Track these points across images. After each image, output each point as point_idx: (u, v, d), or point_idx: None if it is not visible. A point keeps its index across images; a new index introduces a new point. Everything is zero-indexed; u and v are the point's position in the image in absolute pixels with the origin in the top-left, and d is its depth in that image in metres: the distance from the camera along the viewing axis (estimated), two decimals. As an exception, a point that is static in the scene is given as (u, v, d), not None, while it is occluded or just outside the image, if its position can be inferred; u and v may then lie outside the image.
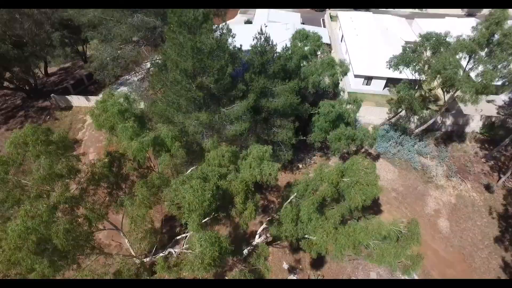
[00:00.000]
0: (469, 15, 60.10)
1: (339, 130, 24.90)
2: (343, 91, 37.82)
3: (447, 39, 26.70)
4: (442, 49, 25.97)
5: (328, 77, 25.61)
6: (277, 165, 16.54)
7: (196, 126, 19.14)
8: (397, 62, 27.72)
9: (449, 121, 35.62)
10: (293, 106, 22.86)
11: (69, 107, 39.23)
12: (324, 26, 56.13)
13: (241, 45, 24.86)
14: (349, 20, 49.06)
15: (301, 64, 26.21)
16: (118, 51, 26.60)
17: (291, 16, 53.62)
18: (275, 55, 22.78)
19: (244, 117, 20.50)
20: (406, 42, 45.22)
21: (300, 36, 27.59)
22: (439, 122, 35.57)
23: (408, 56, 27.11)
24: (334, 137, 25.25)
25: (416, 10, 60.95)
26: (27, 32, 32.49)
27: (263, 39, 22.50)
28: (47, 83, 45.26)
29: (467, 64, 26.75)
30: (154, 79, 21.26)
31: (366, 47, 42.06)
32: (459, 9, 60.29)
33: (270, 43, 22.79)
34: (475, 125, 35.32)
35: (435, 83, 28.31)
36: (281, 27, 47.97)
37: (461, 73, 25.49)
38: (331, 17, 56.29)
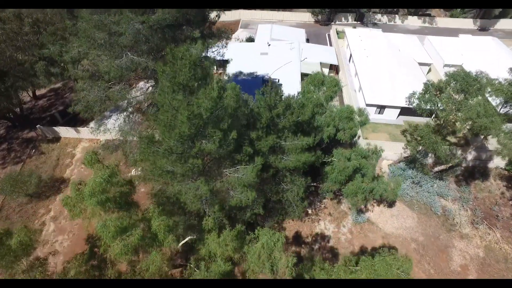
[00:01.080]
0: (482, 29, 57.21)
1: (356, 183, 21.91)
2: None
3: (478, 77, 23.72)
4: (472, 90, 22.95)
5: (346, 131, 22.49)
6: (292, 259, 13.57)
7: (194, 202, 16.15)
8: (419, 104, 24.74)
9: (470, 156, 32.70)
10: (306, 165, 19.85)
11: (57, 138, 36.16)
12: (330, 43, 53.11)
13: (247, 98, 21.85)
14: (357, 39, 46.03)
15: (315, 111, 23.13)
16: (106, 93, 23.55)
17: (296, 32, 50.59)
18: (286, 106, 19.62)
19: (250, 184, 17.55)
20: (420, 64, 42.42)
21: (315, 82, 24.14)
22: (460, 157, 32.60)
23: (431, 98, 24.10)
24: (350, 191, 22.26)
25: (426, 24, 57.97)
26: (8, 61, 29.46)
27: (273, 93, 19.22)
28: (35, 107, 42.17)
29: (501, 108, 23.81)
30: (142, 151, 18.16)
31: (378, 71, 39.04)
32: (471, 23, 57.35)
33: (279, 94, 19.67)
34: (499, 161, 32.36)
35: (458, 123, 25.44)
36: (285, 46, 44.95)
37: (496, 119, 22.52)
38: (337, 33, 53.24)
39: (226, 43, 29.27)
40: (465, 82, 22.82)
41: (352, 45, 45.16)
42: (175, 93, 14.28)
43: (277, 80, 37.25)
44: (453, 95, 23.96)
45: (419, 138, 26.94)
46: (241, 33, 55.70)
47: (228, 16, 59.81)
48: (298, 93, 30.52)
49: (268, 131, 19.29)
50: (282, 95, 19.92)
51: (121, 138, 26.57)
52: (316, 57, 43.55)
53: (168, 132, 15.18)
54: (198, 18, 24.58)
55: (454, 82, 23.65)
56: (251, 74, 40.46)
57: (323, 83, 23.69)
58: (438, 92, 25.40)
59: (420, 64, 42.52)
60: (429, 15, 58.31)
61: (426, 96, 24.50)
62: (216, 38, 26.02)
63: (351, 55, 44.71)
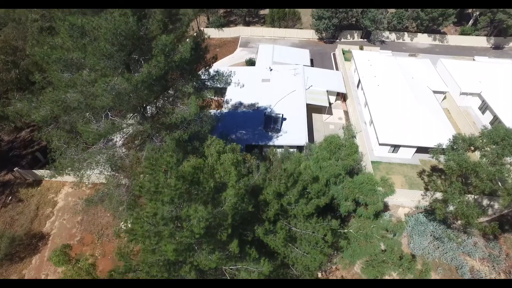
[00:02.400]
0: (496, 47, 53.97)
1: (377, 266, 18.56)
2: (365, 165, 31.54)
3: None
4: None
5: (368, 206, 19.06)
6: None
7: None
8: (449, 165, 21.35)
9: (497, 204, 29.42)
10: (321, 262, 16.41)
11: (38, 181, 32.68)
12: (336, 63, 49.70)
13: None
14: (366, 63, 42.65)
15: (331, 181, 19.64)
16: (84, 154, 20.14)
17: (299, 54, 47.13)
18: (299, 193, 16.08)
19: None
20: (434, 92, 39.13)
21: (332, 147, 20.37)
22: (485, 206, 29.34)
23: (463, 159, 20.66)
24: (369, 273, 18.91)
25: (437, 42, 54.63)
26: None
27: (282, 179, 15.72)
28: (16, 141, 38.61)
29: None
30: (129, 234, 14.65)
31: (391, 103, 35.69)
32: (485, 41, 54.06)
33: (288, 172, 16.22)
34: (529, 210, 29.14)
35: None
36: (288, 71, 41.55)
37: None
38: (343, 53, 49.82)
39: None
40: (507, 143, 19.33)
41: (360, 70, 41.78)
42: (158, 220, 10.81)
43: (280, 116, 33.81)
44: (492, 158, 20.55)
45: (440, 188, 23.56)
46: (240, 52, 52.25)
47: (227, 33, 56.43)
48: (306, 146, 27.22)
49: (277, 231, 15.73)
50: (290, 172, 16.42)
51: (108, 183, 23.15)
52: (322, 84, 40.15)
53: (152, 254, 11.72)
54: (192, 64, 21.15)
55: (492, 143, 20.24)
56: (252, 105, 37.02)
57: (340, 148, 20.20)
58: (470, 148, 22.06)
59: (435, 92, 39.23)
60: (439, 32, 54.96)
61: (456, 154, 21.13)
62: (212, 89, 22.51)
63: (359, 81, 41.33)
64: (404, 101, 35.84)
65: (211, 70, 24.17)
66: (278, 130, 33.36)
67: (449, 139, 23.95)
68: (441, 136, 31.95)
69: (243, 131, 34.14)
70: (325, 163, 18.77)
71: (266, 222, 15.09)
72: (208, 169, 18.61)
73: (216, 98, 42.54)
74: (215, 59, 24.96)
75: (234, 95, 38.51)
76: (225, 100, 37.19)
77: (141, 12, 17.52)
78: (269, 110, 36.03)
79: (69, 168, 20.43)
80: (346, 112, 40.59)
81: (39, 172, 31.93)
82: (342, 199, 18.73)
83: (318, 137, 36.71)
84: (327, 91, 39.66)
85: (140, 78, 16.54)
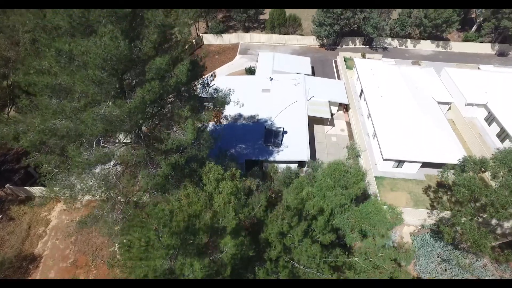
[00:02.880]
0: (501, 54, 52.94)
1: None
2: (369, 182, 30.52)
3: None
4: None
5: (376, 238, 17.99)
6: None
7: None
8: (458, 189, 20.29)
9: (508, 223, 28.40)
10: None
11: (30, 197, 31.57)
12: (337, 71, 48.65)
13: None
14: (369, 72, 41.61)
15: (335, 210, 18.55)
16: (75, 179, 19.05)
17: (300, 62, 46.04)
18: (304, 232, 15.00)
19: None
20: (439, 102, 38.09)
21: (336, 174, 18.93)
22: (494, 224, 28.33)
23: (476, 185, 19.57)
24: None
25: (440, 49, 53.60)
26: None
27: (286, 219, 14.64)
28: (8, 154, 37.47)
29: None
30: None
31: (395, 116, 34.64)
32: (489, 48, 53.06)
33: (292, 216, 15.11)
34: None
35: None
36: (289, 81, 40.48)
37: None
38: (345, 60, 48.80)
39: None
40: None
41: (363, 79, 40.74)
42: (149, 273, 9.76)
43: (281, 129, 32.73)
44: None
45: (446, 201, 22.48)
46: (239, 60, 51.15)
47: (226, 39, 55.33)
48: (309, 163, 26.22)
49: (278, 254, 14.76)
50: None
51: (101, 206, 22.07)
52: (324, 94, 39.08)
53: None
54: (189, 84, 20.11)
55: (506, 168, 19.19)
56: (251, 117, 35.93)
57: (346, 174, 19.06)
58: (480, 170, 21.03)
59: (440, 102, 38.20)
60: (443, 38, 53.92)
61: (467, 179, 20.05)
62: (210, 109, 21.46)
63: (362, 91, 40.32)
64: (408, 113, 34.80)
65: (210, 89, 23.02)
66: (279, 145, 32.28)
67: (459, 159, 22.90)
68: (447, 151, 31.05)
69: (243, 145, 33.07)
70: (330, 192, 17.67)
71: (268, 262, 14.04)
72: (205, 200, 17.57)
73: (215, 109, 41.50)
74: (214, 76, 23.85)
75: (233, 106, 37.40)
76: (223, 115, 36.08)
77: (134, 33, 16.46)
78: (269, 122, 34.98)
79: (60, 194, 19.37)
80: (348, 123, 39.54)
81: (32, 189, 30.83)
82: (348, 229, 17.68)
83: (320, 150, 35.72)
84: (329, 102, 38.61)
85: (133, 105, 15.46)
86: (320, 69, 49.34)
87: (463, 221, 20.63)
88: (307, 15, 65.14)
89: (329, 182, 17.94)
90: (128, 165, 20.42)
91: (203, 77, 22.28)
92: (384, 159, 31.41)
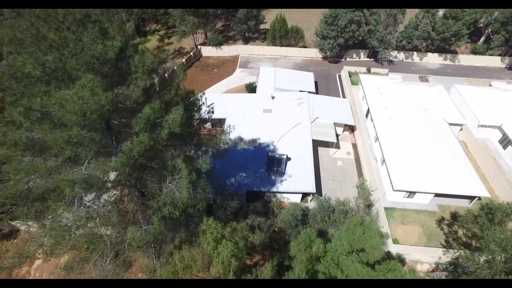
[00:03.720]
0: (511, 68, 50.94)
1: None
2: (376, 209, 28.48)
3: None
4: None
5: None
6: None
7: None
8: (487, 244, 18.18)
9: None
10: None
11: (15, 230, 29.41)
12: (342, 88, 46.56)
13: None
14: (376, 91, 39.56)
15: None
16: (56, 231, 16.95)
17: (303, 78, 43.92)
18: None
19: None
20: (450, 124, 36.06)
21: (354, 237, 16.28)
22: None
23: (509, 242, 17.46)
24: None
25: (448, 62, 51.59)
26: None
27: None
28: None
29: None
30: None
31: (405, 141, 32.59)
32: (499, 61, 51.07)
33: None
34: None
35: None
36: (292, 101, 38.37)
37: None
38: (350, 75, 46.73)
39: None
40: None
41: (369, 98, 38.70)
42: None
43: (285, 157, 30.65)
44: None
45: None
46: (239, 74, 49.02)
47: (225, 51, 53.23)
48: (314, 197, 24.21)
49: None
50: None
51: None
52: (329, 115, 37.00)
53: None
54: (183, 129, 17.91)
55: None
56: (253, 141, 33.83)
57: (364, 234, 16.78)
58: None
59: (451, 124, 36.17)
60: (450, 51, 51.89)
61: (498, 234, 17.94)
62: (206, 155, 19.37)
63: (368, 110, 38.27)
64: (419, 137, 32.74)
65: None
66: (282, 173, 30.20)
67: (483, 205, 20.84)
68: (462, 181, 29.04)
69: (243, 174, 30.96)
70: (345, 257, 15.49)
71: None
72: (203, 262, 15.51)
73: (215, 129, 39.44)
74: (212, 112, 21.73)
75: (234, 124, 35.30)
76: (223, 137, 33.93)
77: (120, 79, 14.32)
78: (271, 147, 32.90)
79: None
80: (354, 145, 37.47)
81: (17, 223, 28.66)
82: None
83: (325, 176, 33.63)
84: (334, 123, 36.53)
85: (117, 164, 13.33)
86: (323, 83, 47.29)
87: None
88: (309, 25, 63.11)
89: (345, 246, 15.72)
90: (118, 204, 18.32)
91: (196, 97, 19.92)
92: (394, 190, 29.33)
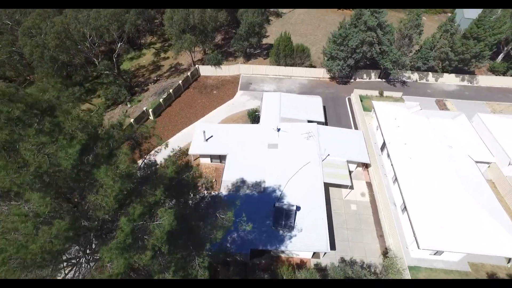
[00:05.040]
0: (533, 89, 47.23)
1: None
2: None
3: None
4: None
5: None
6: None
7: None
8: None
9: None
10: None
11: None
12: (353, 113, 42.76)
13: None
14: (392, 122, 35.80)
15: None
16: None
17: (310, 104, 40.08)
18: None
19: None
20: (477, 162, 32.33)
21: None
22: None
23: None
24: None
25: (465, 83, 47.83)
26: None
27: None
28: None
29: None
30: None
31: (429, 186, 28.86)
32: (519, 81, 47.39)
33: None
34: None
35: None
36: (299, 134, 34.57)
37: None
38: (361, 99, 42.94)
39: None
40: None
41: (385, 131, 34.95)
42: None
43: (294, 208, 26.90)
44: None
45: None
46: (240, 97, 45.19)
47: (225, 70, 49.42)
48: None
49: None
50: None
51: None
52: (341, 151, 33.25)
53: None
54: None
55: None
56: (257, 185, 30.04)
57: None
58: None
59: (478, 162, 32.47)
60: (468, 72, 48.11)
61: None
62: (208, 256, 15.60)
63: (385, 144, 34.53)
64: (444, 181, 29.02)
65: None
66: (292, 228, 26.43)
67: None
68: (497, 236, 25.33)
69: (247, 226, 27.12)
70: None
71: None
72: None
73: (213, 163, 35.66)
74: (211, 187, 17.90)
75: (235, 167, 31.67)
76: (222, 183, 30.24)
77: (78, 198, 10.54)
78: (278, 192, 29.13)
79: None
80: (369, 184, 33.72)
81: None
82: None
83: (338, 224, 29.93)
84: (347, 161, 32.79)
85: None
86: (332, 108, 43.51)
87: None
88: (314, 40, 59.37)
89: None
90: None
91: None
92: (419, 248, 25.58)
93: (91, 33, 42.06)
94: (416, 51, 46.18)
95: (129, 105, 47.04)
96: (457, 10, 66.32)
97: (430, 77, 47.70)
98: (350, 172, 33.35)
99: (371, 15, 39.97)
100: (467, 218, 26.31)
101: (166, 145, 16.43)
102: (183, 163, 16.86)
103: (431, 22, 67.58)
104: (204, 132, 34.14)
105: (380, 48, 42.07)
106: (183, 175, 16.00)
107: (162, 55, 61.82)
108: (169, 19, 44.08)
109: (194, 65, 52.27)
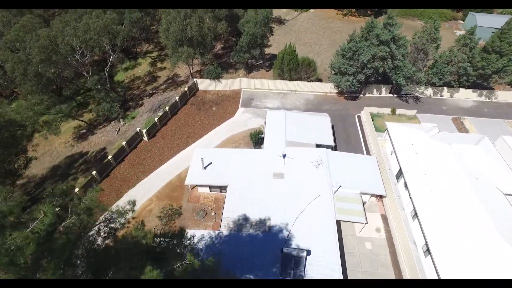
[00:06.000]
0: (555, 105, 44.04)
1: None
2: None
3: None
4: None
5: None
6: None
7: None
8: None
9: None
10: None
11: None
12: (363, 133, 39.53)
13: None
14: (409, 148, 32.59)
15: None
16: None
17: (318, 125, 36.80)
18: None
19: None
20: (506, 194, 29.11)
21: None
22: None
23: None
24: None
25: (483, 98, 44.67)
26: None
27: None
28: None
29: None
30: None
31: (455, 227, 25.67)
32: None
33: None
34: None
35: None
36: (307, 162, 31.38)
37: None
38: (372, 118, 39.71)
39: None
40: None
41: (402, 158, 31.74)
42: None
43: (304, 254, 23.71)
44: None
45: None
46: (242, 115, 41.93)
47: (225, 84, 46.25)
48: None
49: None
50: None
51: None
52: (354, 181, 30.05)
53: None
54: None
55: None
56: (261, 223, 26.85)
57: None
58: None
59: (507, 194, 29.26)
60: (486, 87, 44.94)
61: None
62: None
63: (401, 172, 31.34)
64: (472, 220, 25.86)
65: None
66: (301, 276, 23.23)
67: None
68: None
69: (251, 275, 23.96)
70: None
71: None
72: None
73: (213, 192, 32.41)
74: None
75: (237, 201, 28.48)
76: (222, 221, 27.02)
77: None
78: (285, 232, 25.92)
79: None
80: (384, 217, 30.54)
81: None
82: None
83: (351, 266, 26.74)
84: (361, 193, 29.60)
85: None
86: (340, 127, 40.29)
87: None
88: (319, 50, 56.19)
89: None
90: None
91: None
92: None
93: (81, 46, 38.84)
94: (431, 64, 42.94)
95: (122, 122, 43.79)
96: (469, 17, 63.16)
97: (445, 92, 44.50)
98: (363, 204, 30.15)
99: (384, 28, 36.76)
100: (501, 264, 23.14)
101: (133, 206, 13.32)
102: (174, 229, 13.63)
103: (442, 30, 64.36)
104: (202, 159, 30.93)
105: (393, 63, 38.84)
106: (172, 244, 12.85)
107: (159, 64, 58.59)
108: (165, 31, 40.79)
109: (192, 77, 49.07)
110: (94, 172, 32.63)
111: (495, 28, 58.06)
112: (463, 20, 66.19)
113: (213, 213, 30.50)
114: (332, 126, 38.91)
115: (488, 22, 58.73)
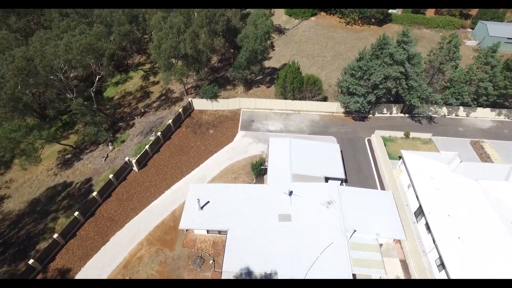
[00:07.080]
0: None
1: None
2: None
3: None
4: None
5: None
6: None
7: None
8: None
9: None
10: None
11: None
12: (374, 158, 36.07)
13: None
14: (429, 182, 29.17)
15: None
16: None
17: (326, 154, 33.22)
18: None
19: None
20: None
21: None
22: None
23: None
24: None
25: (502, 117, 41.38)
26: None
27: None
28: None
29: None
30: None
31: (481, 263, 22.28)
32: None
33: None
34: None
35: None
36: (317, 201, 27.88)
37: None
38: (384, 143, 36.25)
39: None
40: None
41: (422, 194, 28.36)
42: None
43: (318, 325, 20.18)
44: None
45: None
46: (242, 140, 38.30)
47: (223, 104, 42.67)
48: None
49: None
50: None
51: None
52: (370, 225, 26.56)
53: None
54: None
55: None
56: (266, 279, 23.24)
57: None
58: None
59: (540, 236, 25.90)
60: (505, 106, 41.71)
61: None
62: None
63: (421, 211, 27.95)
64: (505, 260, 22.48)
65: None
66: None
67: None
68: None
69: None
70: None
71: None
72: None
73: (210, 234, 28.79)
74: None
75: (238, 251, 24.89)
76: (222, 272, 23.42)
77: None
78: (295, 293, 22.32)
79: None
80: (404, 263, 27.13)
81: None
82: None
83: (372, 328, 23.15)
84: (377, 238, 26.14)
85: None
86: (349, 153, 36.83)
87: None
88: (323, 62, 52.72)
89: None
90: None
91: None
92: None
93: (63, 65, 35.07)
94: (446, 82, 39.54)
95: (111, 147, 39.98)
96: (479, 26, 59.95)
97: (461, 111, 41.21)
98: (380, 245, 26.69)
99: (398, 46, 33.31)
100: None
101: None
102: None
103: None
104: (198, 200, 27.30)
105: (407, 83, 35.45)
106: None
107: (152, 78, 54.79)
108: (156, 48, 37.04)
109: (187, 93, 45.38)
110: (76, 213, 28.89)
111: (508, 38, 55.10)
112: (472, 29, 63.06)
113: (211, 261, 26.94)
114: (341, 151, 35.41)
115: (500, 31, 55.59)
